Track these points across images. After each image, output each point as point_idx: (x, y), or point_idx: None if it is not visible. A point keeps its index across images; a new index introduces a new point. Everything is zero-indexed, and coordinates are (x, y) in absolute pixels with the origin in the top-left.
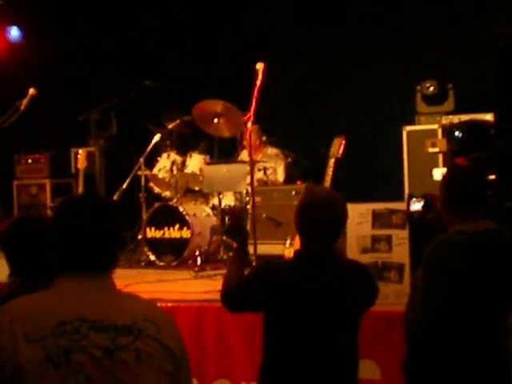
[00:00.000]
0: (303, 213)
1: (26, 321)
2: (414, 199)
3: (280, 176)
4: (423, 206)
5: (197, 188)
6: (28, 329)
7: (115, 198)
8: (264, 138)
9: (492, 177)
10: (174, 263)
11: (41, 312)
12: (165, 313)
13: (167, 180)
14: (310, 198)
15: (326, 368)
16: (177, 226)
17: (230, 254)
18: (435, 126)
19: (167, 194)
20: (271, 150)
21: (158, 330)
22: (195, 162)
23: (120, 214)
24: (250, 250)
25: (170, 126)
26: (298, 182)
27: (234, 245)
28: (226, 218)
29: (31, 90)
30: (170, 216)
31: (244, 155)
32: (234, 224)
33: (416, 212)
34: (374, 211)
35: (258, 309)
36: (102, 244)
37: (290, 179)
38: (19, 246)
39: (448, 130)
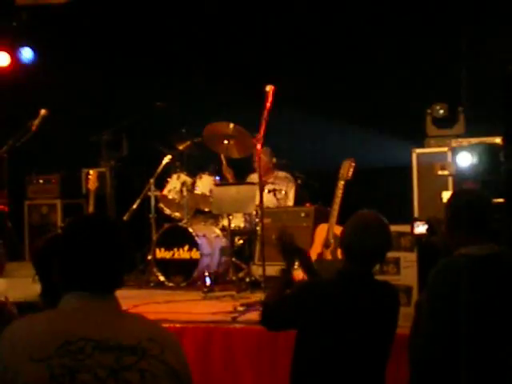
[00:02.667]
0: (355, 236)
1: (31, 340)
2: (417, 222)
3: (290, 199)
4: (427, 230)
5: (206, 209)
6: (33, 348)
7: (125, 218)
8: (274, 161)
9: (500, 200)
10: (183, 284)
11: (46, 331)
12: (169, 333)
13: (177, 201)
14: (363, 223)
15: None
16: (186, 247)
17: (240, 274)
18: (445, 149)
19: (177, 214)
20: (280, 173)
21: (163, 351)
22: (205, 183)
23: (127, 236)
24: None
25: (181, 148)
26: (308, 204)
27: (284, 265)
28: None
29: (43, 111)
30: (179, 237)
31: (253, 177)
32: (289, 244)
33: (420, 235)
34: None
35: (298, 325)
36: (109, 265)
37: (299, 201)
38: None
39: (457, 154)
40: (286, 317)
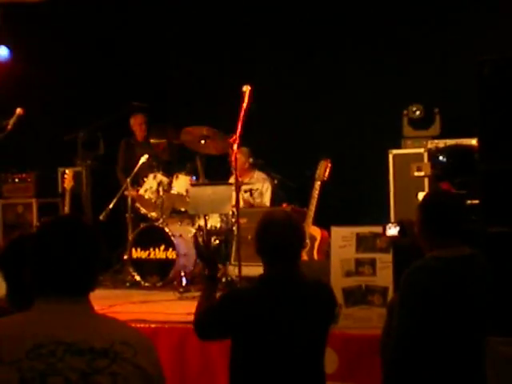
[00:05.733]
0: (261, 238)
1: (1, 342)
2: (389, 224)
3: (266, 198)
4: (399, 232)
5: (183, 209)
6: (3, 351)
7: (101, 218)
8: (251, 161)
9: (475, 202)
10: (159, 284)
11: (17, 334)
12: (143, 336)
13: (153, 201)
14: (267, 222)
15: None
16: (162, 247)
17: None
18: (421, 150)
19: (153, 214)
20: (259, 173)
21: (135, 354)
22: (181, 183)
23: (101, 237)
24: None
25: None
26: (284, 205)
27: (206, 271)
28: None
29: (18, 110)
30: (155, 237)
31: (233, 179)
32: (203, 250)
33: (392, 237)
34: (357, 235)
35: (226, 336)
36: (81, 267)
37: (276, 202)
38: (17, 265)
39: (432, 155)
40: (214, 328)
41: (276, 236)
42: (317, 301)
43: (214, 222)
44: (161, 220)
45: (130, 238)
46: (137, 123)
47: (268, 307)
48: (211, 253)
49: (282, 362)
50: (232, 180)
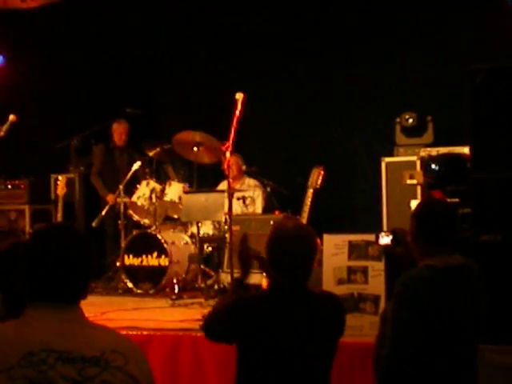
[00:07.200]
0: (273, 247)
1: None
2: (382, 233)
3: (258, 205)
4: (392, 240)
5: (176, 216)
6: None
7: (94, 224)
8: (244, 168)
9: (467, 210)
10: (152, 291)
11: (8, 342)
12: (133, 344)
13: (146, 207)
14: (279, 233)
15: None
16: (155, 254)
17: (208, 282)
18: (414, 158)
19: (146, 221)
20: (250, 181)
21: (126, 362)
22: (174, 190)
23: (92, 245)
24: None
25: (150, 154)
26: (277, 212)
27: (238, 274)
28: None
29: (11, 117)
30: (148, 244)
31: (224, 184)
32: (245, 252)
33: (385, 246)
34: (350, 242)
35: (232, 342)
36: (73, 275)
37: (268, 209)
38: (10, 272)
39: (425, 163)
40: (222, 331)
41: (288, 248)
42: (327, 313)
43: (207, 229)
44: (153, 227)
45: (123, 244)
46: (120, 129)
47: (277, 317)
48: (250, 258)
49: (289, 372)
50: (222, 186)
